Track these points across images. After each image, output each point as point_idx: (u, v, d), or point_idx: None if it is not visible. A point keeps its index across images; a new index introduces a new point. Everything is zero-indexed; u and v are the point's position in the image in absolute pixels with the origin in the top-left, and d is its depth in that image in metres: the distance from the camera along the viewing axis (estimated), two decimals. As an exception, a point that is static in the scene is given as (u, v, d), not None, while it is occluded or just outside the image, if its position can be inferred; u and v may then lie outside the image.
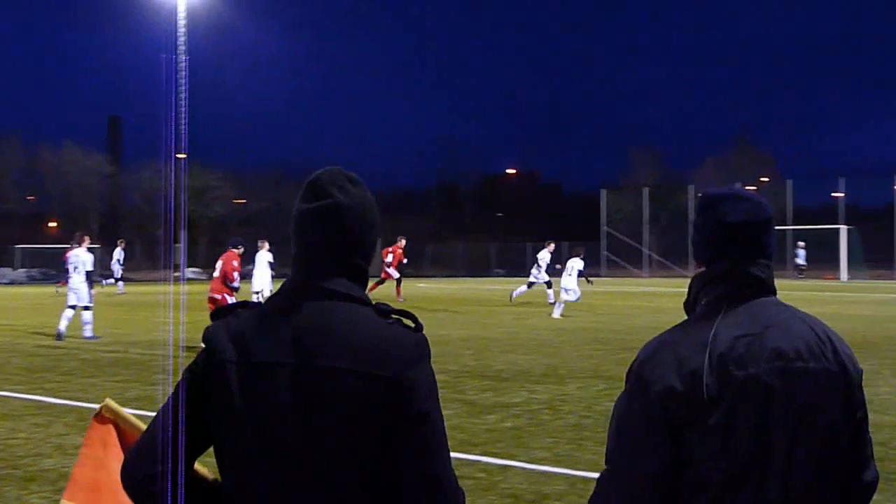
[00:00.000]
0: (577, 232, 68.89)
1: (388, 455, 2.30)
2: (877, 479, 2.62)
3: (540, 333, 21.11)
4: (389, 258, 33.81)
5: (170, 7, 27.75)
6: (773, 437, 2.46)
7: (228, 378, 2.35)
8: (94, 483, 2.91)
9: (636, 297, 36.51)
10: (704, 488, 2.49)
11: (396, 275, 33.66)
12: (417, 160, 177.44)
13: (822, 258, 56.02)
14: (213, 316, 2.48)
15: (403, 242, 34.29)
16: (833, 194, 62.08)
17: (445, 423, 2.41)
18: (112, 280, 42.66)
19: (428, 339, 2.42)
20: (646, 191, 67.62)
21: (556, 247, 31.38)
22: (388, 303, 2.46)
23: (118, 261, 42.61)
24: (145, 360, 16.46)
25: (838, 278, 55.01)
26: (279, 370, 2.33)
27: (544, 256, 30.77)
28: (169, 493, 2.37)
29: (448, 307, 26.22)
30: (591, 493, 2.66)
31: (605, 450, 2.60)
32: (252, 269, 27.40)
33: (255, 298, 29.20)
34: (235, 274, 18.96)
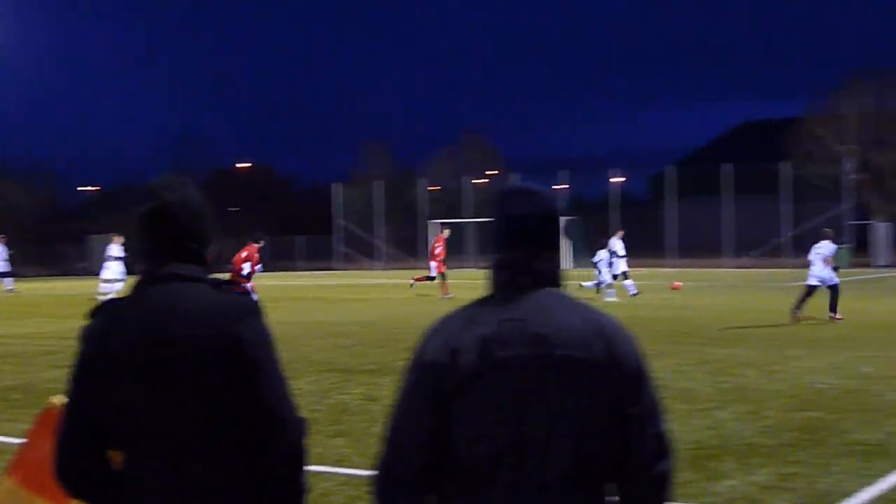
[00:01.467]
0: (311, 225, 68.91)
1: (236, 399, 2.80)
2: (664, 475, 2.67)
3: (275, 328, 20.90)
4: (437, 250, 31.20)
5: None
6: (529, 421, 2.55)
7: (111, 366, 2.80)
8: (39, 462, 3.31)
9: (370, 290, 36.83)
10: (467, 469, 2.59)
11: (437, 269, 31.04)
12: (149, 153, 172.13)
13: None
14: (91, 315, 2.89)
15: (448, 233, 31.94)
16: (555, 186, 64.65)
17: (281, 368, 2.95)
18: None
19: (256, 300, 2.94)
20: (379, 184, 68.27)
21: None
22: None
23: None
24: None
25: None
26: (138, 351, 2.79)
27: (615, 245, 29.13)
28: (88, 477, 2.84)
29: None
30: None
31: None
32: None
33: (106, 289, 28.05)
34: (244, 264, 22.16)
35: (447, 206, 66.59)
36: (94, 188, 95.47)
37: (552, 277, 2.72)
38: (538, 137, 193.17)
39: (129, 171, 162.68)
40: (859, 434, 9.30)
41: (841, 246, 51.13)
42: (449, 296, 28.61)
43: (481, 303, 2.71)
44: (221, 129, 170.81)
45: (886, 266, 53.66)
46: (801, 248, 53.45)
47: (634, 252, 34.05)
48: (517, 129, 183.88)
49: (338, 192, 70.00)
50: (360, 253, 67.31)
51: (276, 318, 17.82)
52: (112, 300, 2.97)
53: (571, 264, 57.88)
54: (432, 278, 30.88)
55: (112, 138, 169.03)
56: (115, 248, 30.74)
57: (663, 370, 12.49)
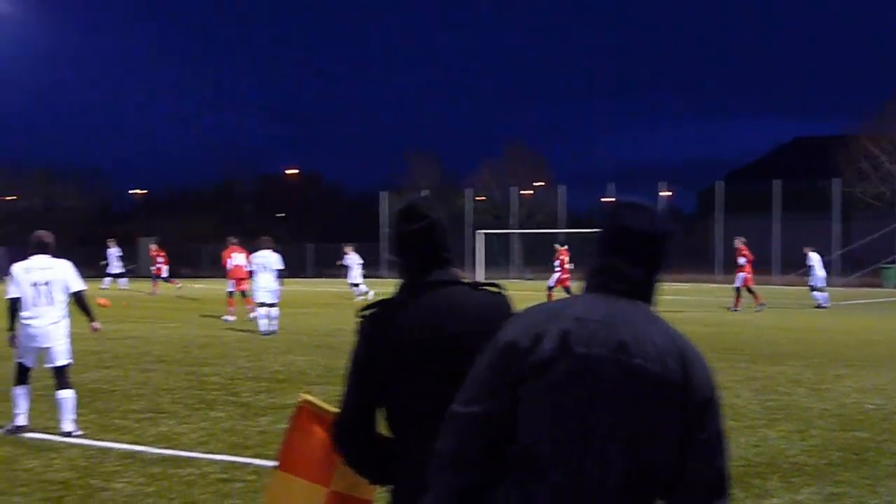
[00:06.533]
0: (357, 233, 69.06)
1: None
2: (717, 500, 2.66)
3: (319, 334, 21.03)
4: (558, 263, 31.07)
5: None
6: (593, 421, 2.59)
7: (393, 358, 3.26)
8: (305, 455, 3.74)
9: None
10: (522, 458, 2.65)
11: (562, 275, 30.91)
12: (194, 160, 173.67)
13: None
14: (365, 313, 3.38)
15: (566, 249, 31.52)
16: (602, 199, 64.39)
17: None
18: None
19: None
20: (425, 193, 68.30)
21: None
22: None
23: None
24: None
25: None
26: (423, 346, 3.23)
27: (816, 259, 29.40)
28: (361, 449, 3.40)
29: (224, 308, 25.75)
30: None
31: None
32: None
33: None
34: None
35: (494, 216, 66.48)
36: (143, 192, 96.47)
37: (645, 292, 2.81)
38: (585, 148, 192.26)
39: (177, 176, 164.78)
40: (908, 456, 9.15)
41: (890, 266, 50.73)
42: None
43: (571, 301, 2.81)
44: (268, 135, 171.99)
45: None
46: (851, 267, 53.03)
47: (681, 267, 33.75)
48: (565, 140, 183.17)
49: (384, 200, 70.15)
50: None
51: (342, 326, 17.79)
52: (385, 301, 3.40)
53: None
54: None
55: (161, 143, 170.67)
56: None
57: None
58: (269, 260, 21.88)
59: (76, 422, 10.08)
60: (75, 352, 9.07)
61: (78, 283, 10.32)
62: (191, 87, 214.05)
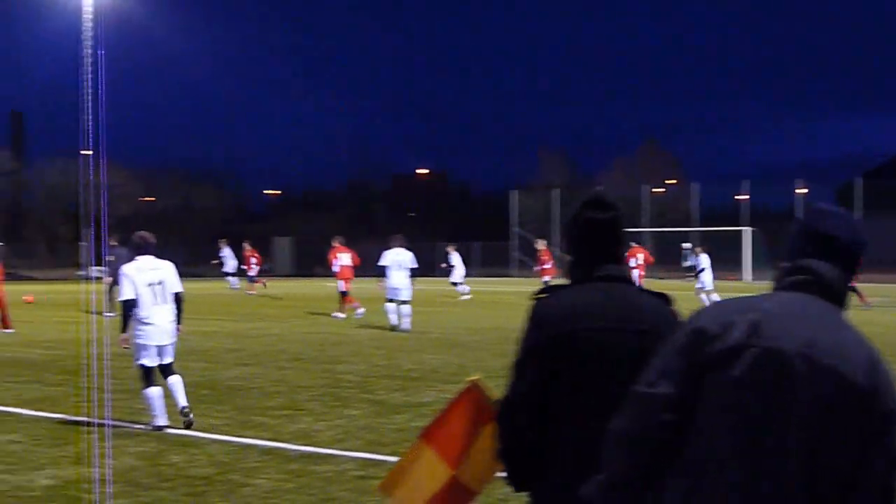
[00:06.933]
0: (486, 232, 69.09)
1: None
2: None
3: (450, 333, 21.08)
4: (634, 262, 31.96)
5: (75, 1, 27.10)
6: (776, 422, 2.51)
7: (568, 347, 3.21)
8: (448, 433, 3.72)
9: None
10: (693, 458, 2.60)
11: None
12: (327, 159, 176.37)
13: (726, 260, 56.90)
14: (537, 301, 3.39)
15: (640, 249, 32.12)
16: (737, 197, 63.17)
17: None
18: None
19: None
20: (556, 192, 67.98)
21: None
22: None
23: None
24: (44, 360, 16.06)
25: (740, 279, 55.96)
26: (601, 338, 3.20)
27: None
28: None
29: (340, 306, 25.99)
30: None
31: None
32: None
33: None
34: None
35: (626, 214, 65.81)
36: (277, 192, 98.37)
37: (839, 295, 2.77)
38: (719, 145, 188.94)
39: (309, 176, 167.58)
40: None
41: None
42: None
43: (765, 296, 2.78)
44: (399, 134, 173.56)
45: None
46: None
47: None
48: (697, 137, 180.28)
49: (514, 199, 70.05)
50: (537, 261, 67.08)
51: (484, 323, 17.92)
52: (560, 287, 3.41)
53: (750, 277, 56.65)
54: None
55: (295, 144, 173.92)
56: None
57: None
58: (402, 258, 22.13)
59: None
60: (213, 349, 9.31)
61: (179, 285, 10.56)
62: (324, 88, 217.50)
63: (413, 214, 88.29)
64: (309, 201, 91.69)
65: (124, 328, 10.27)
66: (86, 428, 10.06)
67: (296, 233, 71.22)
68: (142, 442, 9.55)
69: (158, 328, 10.22)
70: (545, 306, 3.33)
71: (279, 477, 8.12)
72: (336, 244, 27.19)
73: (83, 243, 43.70)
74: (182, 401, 10.22)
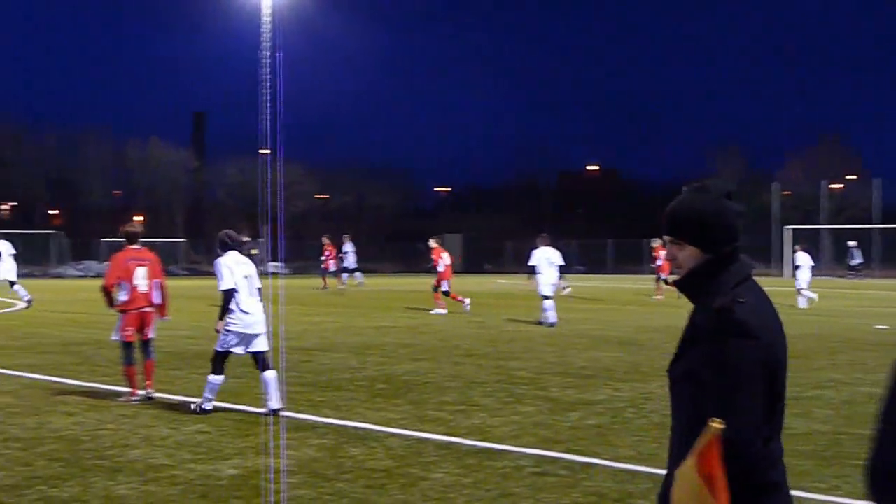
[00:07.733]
0: (658, 229, 68.08)
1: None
2: None
3: (623, 331, 20.91)
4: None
5: (254, 4, 27.99)
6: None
7: (768, 356, 3.01)
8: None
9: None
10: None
11: None
12: (495, 156, 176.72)
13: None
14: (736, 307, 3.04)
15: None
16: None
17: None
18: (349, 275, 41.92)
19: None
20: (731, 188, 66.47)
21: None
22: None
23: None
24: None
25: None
26: (781, 343, 3.09)
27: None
28: None
29: (530, 303, 26.08)
30: None
31: None
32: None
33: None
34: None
35: (803, 211, 63.93)
36: (447, 189, 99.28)
37: None
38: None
39: (477, 173, 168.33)
40: None
41: None
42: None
43: None
44: (568, 131, 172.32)
45: None
46: None
47: None
48: (879, 131, 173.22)
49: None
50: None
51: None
52: (745, 292, 3.07)
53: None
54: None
55: (465, 142, 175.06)
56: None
57: None
58: (552, 256, 22.86)
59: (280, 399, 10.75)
60: (389, 345, 9.45)
61: (259, 281, 11.18)
62: (493, 87, 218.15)
63: (580, 211, 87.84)
64: (479, 198, 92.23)
65: (222, 316, 10.84)
66: (266, 419, 10.38)
67: (465, 230, 71.72)
68: (321, 434, 9.78)
69: (254, 317, 10.87)
70: (750, 314, 3.00)
71: (456, 471, 8.21)
72: (434, 245, 27.55)
73: (261, 239, 44.87)
74: (273, 402, 10.66)
